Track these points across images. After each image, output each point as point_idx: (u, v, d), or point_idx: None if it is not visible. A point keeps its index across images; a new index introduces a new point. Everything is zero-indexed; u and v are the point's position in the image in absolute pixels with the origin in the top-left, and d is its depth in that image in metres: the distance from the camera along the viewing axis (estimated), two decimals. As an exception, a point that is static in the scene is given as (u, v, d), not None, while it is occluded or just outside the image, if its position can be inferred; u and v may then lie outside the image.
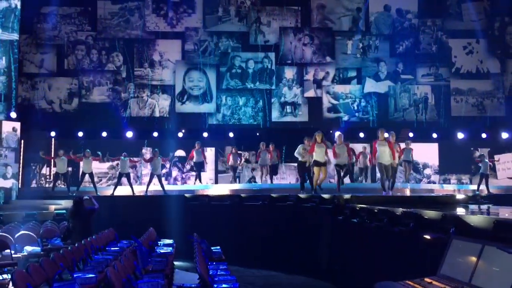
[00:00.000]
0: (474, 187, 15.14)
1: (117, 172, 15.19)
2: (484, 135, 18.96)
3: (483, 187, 14.27)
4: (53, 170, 15.55)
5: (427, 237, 4.52)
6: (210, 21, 19.66)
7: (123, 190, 14.37)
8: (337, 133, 12.13)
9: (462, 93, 19.83)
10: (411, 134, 18.18)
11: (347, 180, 14.58)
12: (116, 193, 14.10)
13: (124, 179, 14.36)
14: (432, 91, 19.84)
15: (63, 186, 15.60)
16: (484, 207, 7.56)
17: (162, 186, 14.02)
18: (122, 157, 14.26)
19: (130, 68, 19.28)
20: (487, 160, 14.70)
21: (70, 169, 15.17)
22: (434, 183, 18.76)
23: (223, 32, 19.68)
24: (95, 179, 15.02)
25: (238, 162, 16.30)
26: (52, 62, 19.00)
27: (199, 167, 16.01)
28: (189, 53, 19.54)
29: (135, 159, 15.78)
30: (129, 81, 19.21)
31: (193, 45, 19.53)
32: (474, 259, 3.27)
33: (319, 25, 19.97)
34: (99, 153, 14.91)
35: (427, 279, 3.47)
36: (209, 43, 19.54)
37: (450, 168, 19.33)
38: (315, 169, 11.00)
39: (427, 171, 19.47)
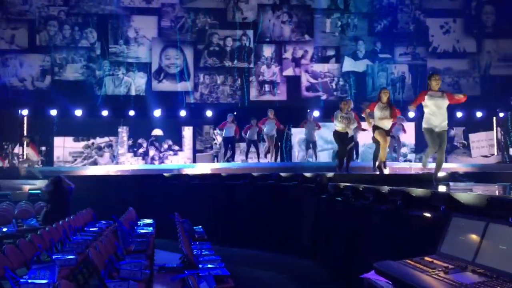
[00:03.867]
0: (448, 165, 15.36)
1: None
2: (459, 114, 19.16)
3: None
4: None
5: (427, 215, 4.45)
6: (187, -3, 19.22)
7: (99, 170, 14.11)
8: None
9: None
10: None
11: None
12: (91, 173, 13.96)
13: None
14: (409, 70, 19.92)
15: None
16: (463, 184, 7.61)
17: None
18: None
19: (105, 45, 18.76)
20: None
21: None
22: (410, 161, 18.94)
23: (200, 9, 19.24)
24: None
25: (255, 136, 15.15)
26: (23, 38, 18.35)
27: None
28: (165, 30, 19.09)
29: None
30: (104, 58, 18.72)
31: (169, 21, 19.07)
32: (477, 237, 3.21)
33: (298, 2, 19.72)
34: None
35: (427, 258, 3.40)
36: (186, 19, 19.12)
37: (426, 147, 19.48)
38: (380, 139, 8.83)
39: (404, 150, 19.61)
